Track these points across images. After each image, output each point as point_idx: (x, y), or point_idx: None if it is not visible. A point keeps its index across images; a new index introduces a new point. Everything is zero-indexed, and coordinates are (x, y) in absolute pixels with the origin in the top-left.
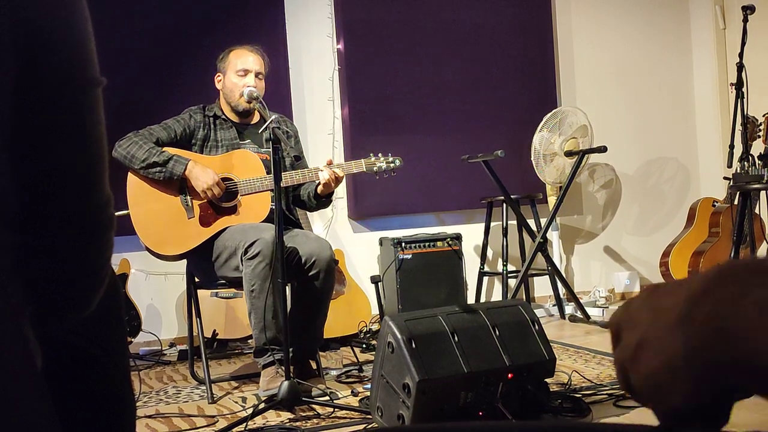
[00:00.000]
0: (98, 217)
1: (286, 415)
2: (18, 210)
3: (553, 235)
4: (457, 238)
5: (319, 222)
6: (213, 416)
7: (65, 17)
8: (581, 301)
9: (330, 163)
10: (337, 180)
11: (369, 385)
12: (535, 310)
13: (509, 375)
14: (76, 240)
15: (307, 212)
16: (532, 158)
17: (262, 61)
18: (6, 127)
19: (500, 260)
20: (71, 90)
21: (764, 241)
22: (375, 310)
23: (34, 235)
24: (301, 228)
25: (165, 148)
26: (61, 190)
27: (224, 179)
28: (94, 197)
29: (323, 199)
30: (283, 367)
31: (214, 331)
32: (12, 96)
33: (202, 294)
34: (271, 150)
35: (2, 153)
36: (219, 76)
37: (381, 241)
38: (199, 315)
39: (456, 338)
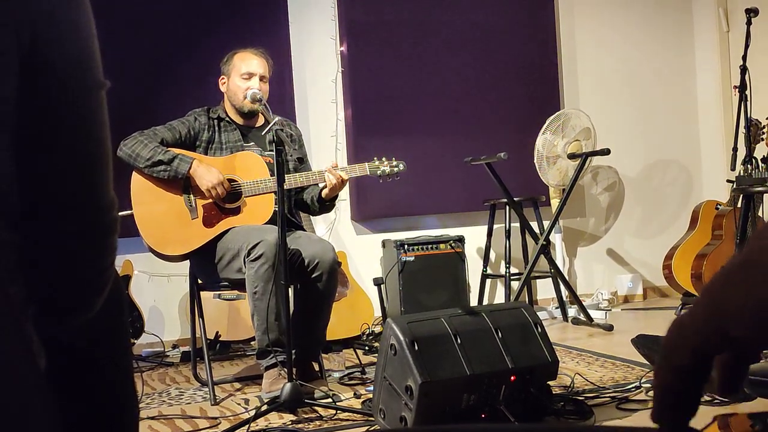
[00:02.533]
0: (101, 220)
1: (288, 417)
2: (21, 210)
3: (555, 238)
4: (460, 240)
5: (321, 224)
6: (215, 418)
7: (70, 19)
8: (584, 303)
9: (335, 167)
10: (342, 183)
11: (371, 387)
12: (537, 313)
13: (512, 377)
14: (79, 242)
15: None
16: (535, 160)
17: (267, 65)
18: (10, 128)
19: (503, 262)
20: (75, 92)
21: None
22: (377, 312)
23: (37, 237)
24: (304, 230)
25: (170, 148)
26: (64, 191)
27: (228, 180)
28: (98, 200)
29: (327, 203)
30: (286, 369)
31: (217, 332)
32: (16, 97)
33: (205, 295)
34: (274, 152)
35: (6, 153)
36: (223, 78)
37: (384, 243)
38: (201, 316)
39: (458, 340)
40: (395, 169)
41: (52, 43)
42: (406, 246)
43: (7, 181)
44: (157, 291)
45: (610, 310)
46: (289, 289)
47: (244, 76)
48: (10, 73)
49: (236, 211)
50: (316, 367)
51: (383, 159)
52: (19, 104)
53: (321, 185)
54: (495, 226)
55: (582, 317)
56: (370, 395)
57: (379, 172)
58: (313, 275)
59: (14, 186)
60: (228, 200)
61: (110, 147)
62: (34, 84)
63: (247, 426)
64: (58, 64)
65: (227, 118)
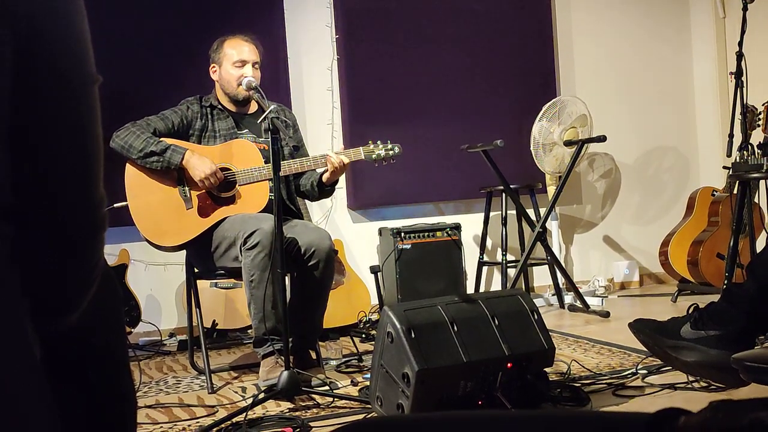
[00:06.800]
0: (91, 216)
1: (285, 405)
2: (14, 203)
3: (552, 225)
4: (457, 227)
5: (318, 212)
6: (213, 406)
7: (63, 14)
8: (580, 290)
9: (341, 151)
10: (343, 167)
11: (368, 375)
12: (534, 300)
13: (508, 364)
14: (69, 238)
15: (307, 202)
16: (531, 148)
17: (258, 51)
18: (4, 120)
19: (499, 250)
20: (69, 86)
21: (763, 230)
22: (374, 300)
23: (27, 232)
24: (302, 218)
25: (162, 139)
26: (56, 186)
27: (222, 169)
28: (89, 195)
29: (327, 188)
30: (283, 357)
31: (214, 321)
32: (11, 90)
33: (202, 284)
34: (269, 139)
35: (0, 146)
36: (214, 67)
37: (380, 231)
38: (198, 305)
39: (455, 328)
40: (390, 152)
41: (48, 37)
42: (402, 234)
43: (1, 173)
44: (154, 280)
45: (607, 296)
46: (286, 277)
47: (236, 64)
48: (5, 65)
49: (231, 200)
50: (313, 355)
51: (378, 143)
52: (14, 98)
53: (320, 170)
54: (491, 214)
55: (578, 304)
56: (367, 383)
57: (374, 156)
58: (310, 263)
59: (8, 179)
60: (222, 189)
61: (102, 143)
62: (28, 78)
63: (245, 414)
64: (53, 58)
65: (219, 106)
